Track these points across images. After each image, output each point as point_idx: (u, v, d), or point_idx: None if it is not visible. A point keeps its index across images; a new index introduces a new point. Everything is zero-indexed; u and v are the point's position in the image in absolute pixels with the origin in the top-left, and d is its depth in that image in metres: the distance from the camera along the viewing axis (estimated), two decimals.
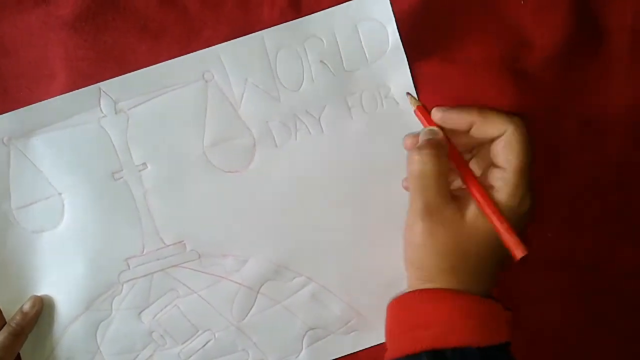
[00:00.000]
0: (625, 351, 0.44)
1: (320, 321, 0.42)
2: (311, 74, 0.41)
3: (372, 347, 0.43)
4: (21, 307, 0.40)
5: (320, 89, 0.41)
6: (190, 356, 0.42)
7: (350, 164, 0.42)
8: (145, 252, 0.41)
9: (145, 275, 0.41)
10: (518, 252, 0.34)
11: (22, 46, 0.41)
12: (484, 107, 0.37)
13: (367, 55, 0.41)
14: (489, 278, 0.36)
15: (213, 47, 0.40)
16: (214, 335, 0.42)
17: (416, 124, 0.40)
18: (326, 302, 0.42)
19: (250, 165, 0.41)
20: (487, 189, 0.35)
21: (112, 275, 0.41)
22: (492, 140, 0.36)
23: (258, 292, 0.42)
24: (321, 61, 0.41)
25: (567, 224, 0.43)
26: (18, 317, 0.40)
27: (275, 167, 0.41)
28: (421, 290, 0.36)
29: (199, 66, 0.40)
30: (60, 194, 0.41)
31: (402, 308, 0.37)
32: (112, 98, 0.40)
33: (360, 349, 0.43)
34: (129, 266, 0.41)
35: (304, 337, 0.42)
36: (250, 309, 0.42)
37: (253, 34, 0.40)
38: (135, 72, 0.40)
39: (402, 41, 0.41)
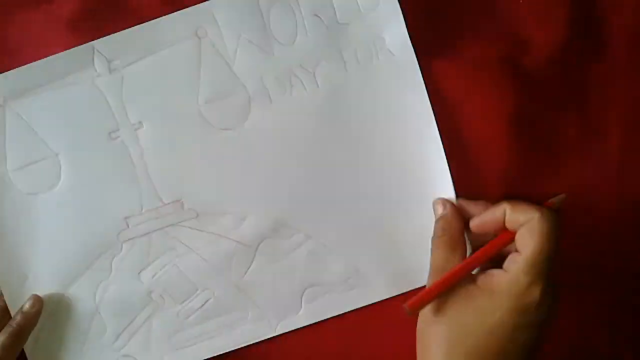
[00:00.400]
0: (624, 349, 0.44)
1: (319, 278, 0.42)
2: (305, 28, 0.41)
3: (371, 304, 0.43)
4: (21, 307, 0.40)
5: (315, 43, 0.41)
6: (190, 315, 0.42)
7: (346, 119, 0.41)
8: (144, 210, 0.41)
9: (144, 235, 0.41)
10: (407, 303, 0.35)
11: (23, 45, 0.41)
12: (505, 202, 0.37)
13: (360, 6, 0.40)
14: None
15: (205, 2, 0.40)
16: (213, 294, 0.42)
17: (412, 74, 0.40)
18: (325, 259, 0.42)
19: (245, 122, 0.41)
20: (500, 272, 0.35)
21: (112, 234, 0.41)
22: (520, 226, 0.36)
23: (256, 250, 0.42)
24: (314, 14, 0.40)
25: (567, 228, 0.43)
26: (19, 317, 0.40)
27: (271, 123, 0.41)
28: None
29: (192, 22, 0.40)
30: (56, 154, 0.41)
31: None
32: (105, 57, 0.40)
33: (360, 306, 0.42)
34: (128, 225, 0.41)
35: (302, 295, 0.42)
36: (249, 267, 0.42)
37: None
38: (128, 29, 0.40)
39: None
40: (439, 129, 0.41)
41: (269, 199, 0.41)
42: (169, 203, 0.41)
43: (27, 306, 0.40)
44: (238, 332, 0.42)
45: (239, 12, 0.40)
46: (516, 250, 0.35)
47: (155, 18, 0.40)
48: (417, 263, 0.41)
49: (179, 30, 0.40)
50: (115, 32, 0.40)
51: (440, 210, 0.40)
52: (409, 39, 0.40)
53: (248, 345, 0.42)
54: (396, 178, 0.42)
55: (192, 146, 0.41)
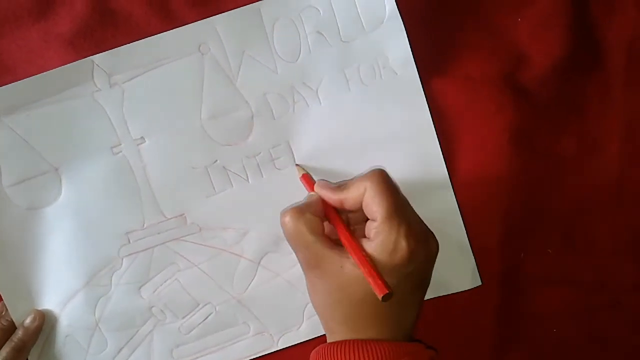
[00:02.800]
0: None
1: None
2: (308, 45, 0.41)
3: None
4: (22, 322, 0.40)
5: (318, 60, 0.41)
6: (191, 330, 0.42)
7: (348, 136, 0.42)
8: (145, 225, 0.41)
9: (145, 249, 0.41)
10: (377, 291, 0.33)
11: (21, 63, 0.41)
12: (347, 181, 0.37)
13: (364, 24, 0.41)
14: (390, 323, 0.35)
15: (209, 18, 0.40)
16: (215, 309, 0.42)
17: (415, 92, 0.41)
18: None
19: (248, 138, 0.41)
20: (360, 239, 0.35)
21: (112, 249, 0.41)
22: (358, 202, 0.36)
23: (259, 265, 0.42)
24: (318, 32, 0.41)
25: (567, 240, 0.44)
26: (20, 332, 0.40)
27: (273, 139, 0.41)
28: (332, 344, 0.35)
29: (195, 38, 0.40)
30: (56, 169, 0.40)
31: None
32: (105, 71, 0.40)
33: None
34: (129, 240, 0.41)
35: (304, 310, 0.42)
36: (251, 281, 0.42)
37: (249, 5, 0.40)
38: (129, 44, 0.40)
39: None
40: (440, 144, 0.42)
41: (270, 214, 0.42)
42: (171, 218, 0.41)
43: (28, 321, 0.40)
44: (239, 346, 0.42)
45: (242, 28, 0.40)
46: (369, 219, 0.36)
47: (154, 34, 0.40)
48: None
49: (181, 46, 0.40)
50: (113, 48, 0.40)
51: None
52: (412, 57, 0.41)
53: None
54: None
55: (194, 161, 0.41)
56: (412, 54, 0.41)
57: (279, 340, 0.42)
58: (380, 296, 0.33)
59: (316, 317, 0.42)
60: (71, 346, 0.41)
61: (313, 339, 0.43)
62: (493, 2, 0.43)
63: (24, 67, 0.41)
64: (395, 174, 0.41)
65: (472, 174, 0.43)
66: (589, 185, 0.44)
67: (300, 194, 0.41)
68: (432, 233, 0.37)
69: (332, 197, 0.37)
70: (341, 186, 0.37)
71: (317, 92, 0.41)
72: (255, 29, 0.40)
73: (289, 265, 0.42)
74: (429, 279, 0.37)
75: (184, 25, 0.40)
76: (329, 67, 0.41)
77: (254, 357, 0.42)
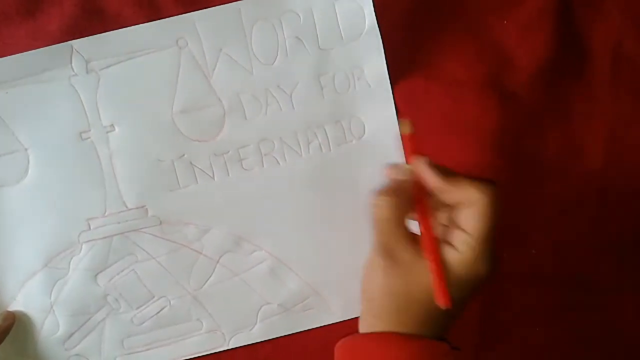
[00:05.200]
0: None
1: (277, 297, 0.42)
2: (286, 49, 0.41)
3: (326, 325, 0.43)
4: None
5: (294, 65, 0.41)
6: (144, 322, 0.42)
7: (317, 142, 0.42)
8: (107, 213, 0.41)
9: (105, 237, 0.41)
10: (440, 300, 0.33)
11: None
12: (458, 174, 0.35)
13: (342, 35, 0.41)
14: (433, 323, 0.35)
15: (189, 13, 0.40)
16: (169, 302, 0.42)
17: (386, 107, 0.40)
18: (284, 278, 0.42)
19: (218, 135, 0.41)
20: (446, 246, 0.35)
21: (73, 234, 0.41)
22: (460, 203, 0.35)
23: (217, 263, 0.42)
24: (297, 37, 0.41)
25: (551, 241, 0.44)
26: None
27: (243, 139, 0.41)
28: (368, 335, 0.36)
29: (174, 32, 0.40)
30: (26, 149, 0.41)
31: (348, 351, 0.36)
32: (84, 57, 0.40)
33: (315, 326, 0.43)
34: (89, 226, 0.41)
35: (259, 311, 0.42)
36: (208, 278, 0.42)
37: (230, 3, 0.40)
38: (109, 32, 0.40)
39: (385, 56, 0.41)
40: (423, 147, 0.41)
41: (233, 213, 0.42)
42: (132, 208, 0.41)
43: None
44: (190, 342, 0.42)
45: (221, 27, 0.40)
46: (459, 227, 0.35)
47: None
48: None
49: (160, 38, 0.40)
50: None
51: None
52: (387, 73, 0.41)
53: (200, 356, 0.43)
54: (361, 204, 0.42)
55: (162, 154, 0.41)
56: (398, 55, 0.41)
57: (230, 339, 0.42)
58: (441, 306, 0.33)
59: (271, 319, 0.42)
60: (25, 325, 0.41)
61: (265, 341, 0.42)
62: (479, 5, 0.43)
63: None
64: (358, 182, 0.42)
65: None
66: (572, 187, 0.44)
67: (267, 199, 0.41)
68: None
69: (434, 181, 0.34)
70: (448, 175, 0.34)
71: (291, 96, 0.41)
72: (234, 28, 0.40)
73: (247, 266, 0.42)
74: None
75: None
76: (304, 73, 0.41)
77: (204, 354, 0.42)
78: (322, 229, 0.42)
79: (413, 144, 0.36)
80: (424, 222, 0.35)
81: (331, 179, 0.42)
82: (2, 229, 0.41)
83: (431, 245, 0.34)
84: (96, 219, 0.41)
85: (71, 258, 0.41)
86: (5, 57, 0.40)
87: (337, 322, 0.43)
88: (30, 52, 0.40)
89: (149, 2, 0.41)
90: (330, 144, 0.42)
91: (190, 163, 0.41)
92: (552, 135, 0.44)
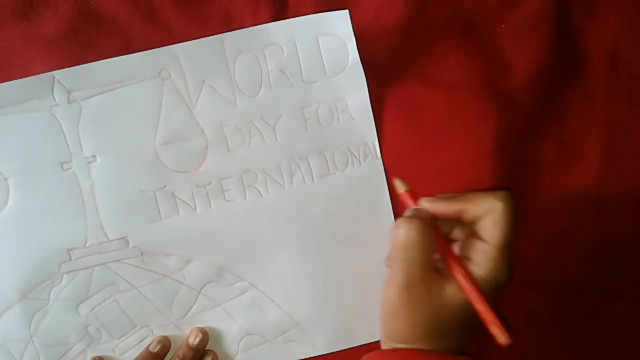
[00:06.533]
0: None
1: (258, 328, 0.42)
2: (269, 82, 0.41)
3: (309, 358, 0.43)
4: None
5: (278, 97, 0.41)
6: (126, 352, 0.42)
7: (300, 175, 0.42)
8: (87, 244, 0.41)
9: (86, 268, 0.41)
10: (502, 339, 0.33)
11: (4, 64, 0.40)
12: (467, 192, 0.36)
13: (326, 69, 0.41)
14: (457, 339, 0.36)
15: (172, 45, 0.40)
16: (152, 332, 0.42)
17: (370, 139, 0.41)
18: (266, 309, 0.42)
19: (200, 166, 0.41)
20: (465, 262, 0.35)
21: (53, 265, 0.41)
22: (478, 217, 0.35)
23: (200, 293, 0.42)
24: (280, 70, 0.41)
25: (545, 245, 0.44)
26: None
27: (225, 171, 0.41)
28: (394, 351, 0.36)
29: (156, 63, 0.40)
30: (6, 179, 0.40)
31: None
32: (65, 87, 0.40)
33: (298, 359, 0.43)
34: (70, 257, 0.41)
35: (240, 342, 0.42)
36: (190, 308, 0.42)
37: (213, 36, 0.40)
38: (91, 63, 0.40)
39: (383, 62, 0.41)
40: (421, 152, 0.42)
41: (215, 244, 0.42)
42: (113, 239, 0.41)
43: None
44: None
45: (204, 59, 0.40)
46: (477, 236, 0.35)
47: (138, 36, 0.40)
48: (360, 320, 0.42)
49: (142, 70, 0.40)
50: (96, 51, 0.40)
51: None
52: (370, 105, 0.41)
53: None
54: (344, 235, 0.42)
55: (143, 184, 0.41)
56: (395, 60, 0.41)
57: None
58: (502, 344, 0.33)
59: (252, 351, 0.42)
60: (3, 357, 0.41)
61: None
62: (476, 8, 0.43)
63: (6, 68, 0.40)
64: (340, 214, 0.42)
65: (454, 180, 0.43)
66: (569, 191, 0.44)
67: (249, 230, 0.41)
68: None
69: (448, 207, 0.35)
70: (460, 196, 0.35)
71: (274, 128, 0.41)
72: (217, 60, 0.40)
73: (229, 297, 0.42)
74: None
75: (166, 26, 0.40)
76: (288, 105, 0.41)
77: None
78: (304, 261, 0.42)
79: (413, 197, 0.36)
80: (442, 243, 0.35)
81: (314, 211, 0.42)
82: None
83: (459, 268, 0.34)
84: (77, 250, 0.41)
85: (51, 288, 0.41)
86: None
87: (320, 355, 0.43)
88: (11, 82, 0.39)
89: (145, 4, 0.41)
90: (314, 176, 0.42)
91: (172, 194, 0.41)
92: (549, 139, 0.44)
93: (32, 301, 0.41)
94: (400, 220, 0.35)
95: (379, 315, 0.37)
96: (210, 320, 0.42)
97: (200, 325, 0.42)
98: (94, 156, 0.41)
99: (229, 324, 0.42)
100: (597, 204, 0.44)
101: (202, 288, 0.42)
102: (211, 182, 0.41)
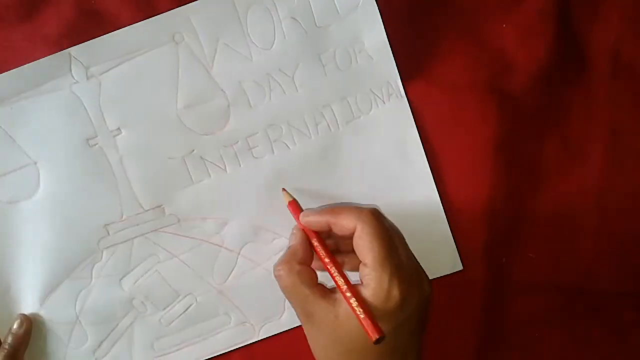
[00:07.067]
0: None
1: None
2: (283, 31, 0.41)
3: None
4: (10, 328, 0.40)
5: (293, 46, 0.41)
6: (172, 322, 0.42)
7: (325, 123, 0.41)
8: (124, 217, 0.41)
9: (125, 241, 0.41)
10: (369, 334, 0.32)
11: (6, 63, 0.40)
12: (338, 206, 0.38)
13: (338, 9, 0.40)
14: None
15: (181, 7, 0.40)
16: (196, 300, 0.42)
17: (391, 77, 0.40)
18: None
19: (225, 126, 0.41)
20: (357, 285, 0.34)
21: (92, 242, 0.41)
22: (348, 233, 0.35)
23: (239, 255, 0.42)
24: (292, 17, 0.40)
25: (550, 246, 0.44)
26: (10, 339, 0.40)
27: (250, 128, 0.41)
28: None
29: (169, 27, 0.40)
30: (35, 162, 0.40)
31: None
32: (82, 63, 0.40)
33: None
34: (108, 232, 0.41)
35: (285, 299, 0.42)
36: (232, 271, 0.42)
37: None
38: (105, 35, 0.40)
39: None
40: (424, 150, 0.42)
41: (250, 203, 0.41)
42: (149, 209, 0.41)
43: (15, 327, 0.40)
44: (221, 337, 0.42)
45: (215, 16, 0.40)
46: (362, 262, 0.35)
47: None
48: None
49: (156, 36, 0.40)
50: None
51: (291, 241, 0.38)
52: (387, 42, 0.41)
53: (232, 350, 0.42)
54: (375, 179, 0.42)
55: (171, 151, 0.41)
56: (395, 59, 0.41)
57: (260, 330, 0.42)
58: (372, 340, 0.32)
59: None
60: (51, 341, 0.41)
61: (294, 328, 0.42)
62: (478, 8, 0.43)
63: (10, 68, 0.40)
64: (374, 160, 0.42)
65: (456, 179, 0.43)
66: (572, 191, 0.44)
67: (278, 183, 0.41)
68: (424, 274, 0.36)
69: (320, 219, 0.36)
70: (331, 209, 0.36)
71: (293, 78, 0.41)
72: (228, 17, 0.40)
73: (268, 255, 0.42)
74: (427, 321, 0.36)
75: None
76: (304, 53, 0.41)
77: (236, 347, 0.42)
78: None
79: (296, 207, 0.39)
80: (327, 265, 0.36)
81: (343, 158, 0.42)
82: (21, 246, 0.40)
83: (340, 284, 0.34)
84: (114, 224, 0.41)
85: (93, 266, 0.41)
86: (4, 73, 0.40)
87: None
88: (29, 64, 0.40)
89: (146, 2, 0.41)
90: (339, 122, 0.42)
91: (201, 157, 0.41)
92: (551, 139, 0.43)
93: (75, 281, 0.41)
94: (276, 266, 0.36)
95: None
96: (252, 281, 0.42)
97: (243, 287, 0.42)
98: (118, 129, 0.41)
99: (272, 283, 0.41)
100: (599, 203, 0.44)
101: (240, 249, 0.42)
102: (238, 141, 0.41)
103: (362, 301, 0.33)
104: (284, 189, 0.41)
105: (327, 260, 0.36)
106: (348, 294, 0.34)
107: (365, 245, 0.34)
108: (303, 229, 0.37)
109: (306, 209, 0.38)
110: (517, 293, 0.44)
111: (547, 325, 0.44)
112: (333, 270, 0.35)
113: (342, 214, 0.35)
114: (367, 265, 0.34)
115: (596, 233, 0.44)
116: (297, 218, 0.38)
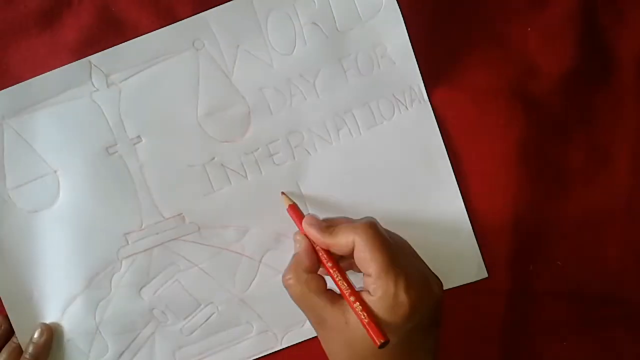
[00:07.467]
0: None
1: None
2: (303, 37, 0.40)
3: None
4: (31, 338, 0.40)
5: (314, 51, 0.40)
6: (194, 331, 0.41)
7: (347, 129, 0.41)
8: (144, 226, 0.40)
9: (144, 250, 0.41)
10: (376, 339, 0.32)
11: (27, 72, 0.40)
12: (334, 221, 0.37)
13: (360, 13, 0.40)
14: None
15: (201, 13, 0.39)
16: (217, 309, 0.41)
17: (414, 81, 0.40)
18: None
19: (246, 133, 0.41)
20: (363, 293, 0.34)
21: (111, 251, 0.40)
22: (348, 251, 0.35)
23: (260, 262, 0.41)
24: (313, 22, 0.40)
25: (577, 253, 0.43)
26: (31, 349, 0.40)
27: (271, 135, 0.41)
28: None
29: (189, 34, 0.40)
30: (55, 171, 0.40)
31: None
32: (103, 71, 0.40)
33: None
34: (127, 241, 0.40)
35: None
36: (253, 279, 0.41)
37: None
38: (125, 43, 0.40)
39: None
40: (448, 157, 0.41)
41: (270, 211, 0.41)
42: (169, 217, 0.40)
43: (35, 336, 0.40)
44: (243, 346, 0.41)
45: (235, 22, 0.40)
46: (364, 274, 0.34)
47: None
48: None
49: (175, 42, 0.40)
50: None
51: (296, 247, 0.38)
52: (410, 46, 0.40)
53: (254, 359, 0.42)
54: (398, 185, 0.41)
55: (191, 159, 0.40)
56: (420, 64, 0.40)
57: (282, 338, 0.41)
58: (377, 344, 0.32)
59: None
60: (72, 351, 0.41)
61: (316, 336, 0.41)
62: (502, 12, 0.42)
63: (31, 76, 0.40)
64: (396, 164, 0.41)
65: (481, 186, 0.42)
66: (598, 197, 0.43)
67: (299, 190, 0.41)
68: (432, 274, 0.36)
69: (320, 240, 0.36)
70: (330, 228, 0.36)
71: (314, 84, 0.41)
72: (248, 22, 0.40)
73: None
74: (439, 320, 0.36)
75: None
76: (325, 58, 0.40)
77: (258, 356, 0.42)
78: (360, 216, 0.41)
79: (297, 212, 0.38)
80: (330, 272, 0.35)
81: (365, 165, 0.41)
82: (39, 254, 0.40)
83: (344, 291, 0.34)
84: (134, 233, 0.40)
85: (112, 276, 0.41)
86: (25, 81, 0.39)
87: None
88: (49, 73, 0.40)
89: (166, 9, 0.41)
90: (360, 128, 0.41)
91: (222, 165, 0.40)
92: (578, 144, 0.43)
93: (95, 291, 0.41)
94: (284, 275, 0.36)
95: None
96: (274, 289, 0.41)
97: (265, 295, 0.41)
98: (138, 137, 0.40)
99: None
100: (627, 208, 0.43)
101: (262, 257, 0.41)
102: (258, 148, 0.41)
103: (365, 306, 0.33)
104: (283, 193, 0.40)
105: (329, 264, 0.35)
106: (351, 299, 0.33)
107: (366, 258, 0.33)
108: (306, 235, 0.37)
109: (307, 215, 0.38)
110: (542, 301, 0.43)
111: (573, 333, 0.43)
112: (336, 275, 0.35)
113: (338, 234, 0.35)
114: (371, 275, 0.33)
115: (623, 239, 0.43)
116: (299, 223, 0.37)
